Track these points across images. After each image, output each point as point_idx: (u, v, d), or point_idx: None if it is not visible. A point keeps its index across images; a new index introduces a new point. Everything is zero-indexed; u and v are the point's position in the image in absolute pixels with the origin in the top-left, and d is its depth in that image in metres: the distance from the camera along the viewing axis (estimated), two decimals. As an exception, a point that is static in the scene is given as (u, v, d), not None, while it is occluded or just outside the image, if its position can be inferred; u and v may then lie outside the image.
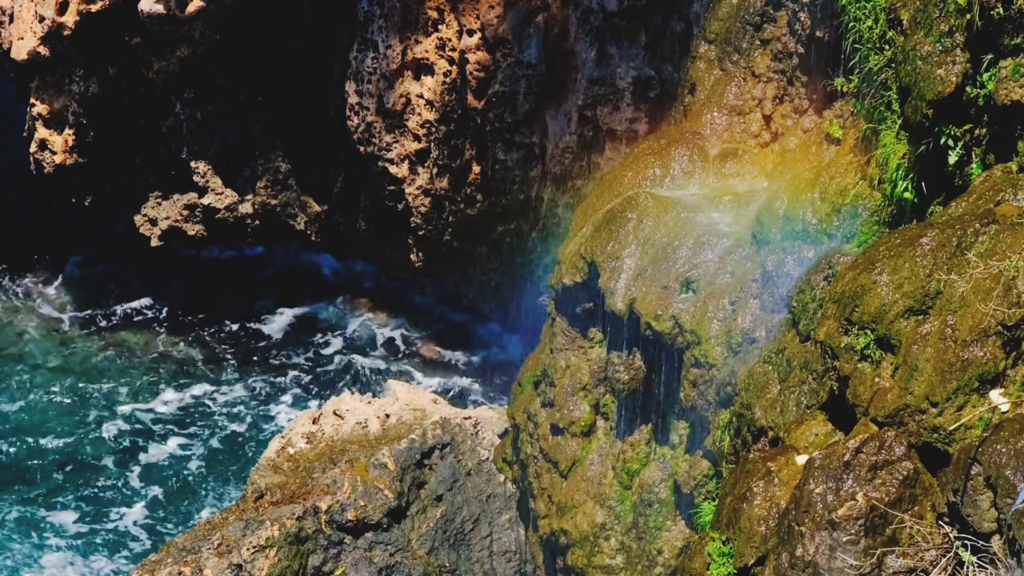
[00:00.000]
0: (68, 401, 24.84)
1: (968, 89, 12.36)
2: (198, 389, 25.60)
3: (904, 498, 10.64)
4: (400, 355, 26.41)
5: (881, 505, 10.56)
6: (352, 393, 20.96)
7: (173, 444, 24.07)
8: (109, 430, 24.23)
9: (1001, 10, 11.98)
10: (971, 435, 10.58)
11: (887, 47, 13.57)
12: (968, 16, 12.26)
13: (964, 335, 10.81)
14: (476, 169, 23.01)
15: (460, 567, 18.49)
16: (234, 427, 24.68)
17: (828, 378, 12.27)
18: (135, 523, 22.27)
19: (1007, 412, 10.50)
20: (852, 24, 14.23)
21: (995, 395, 10.64)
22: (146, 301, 27.24)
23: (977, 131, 12.44)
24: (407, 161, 23.34)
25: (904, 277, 11.52)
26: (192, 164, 24.96)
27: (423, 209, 23.65)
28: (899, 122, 13.30)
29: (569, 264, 17.34)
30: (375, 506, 17.98)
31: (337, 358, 26.53)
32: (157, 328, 26.91)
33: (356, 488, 18.01)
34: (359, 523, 17.87)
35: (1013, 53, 12.01)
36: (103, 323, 26.93)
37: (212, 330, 26.95)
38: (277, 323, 27.16)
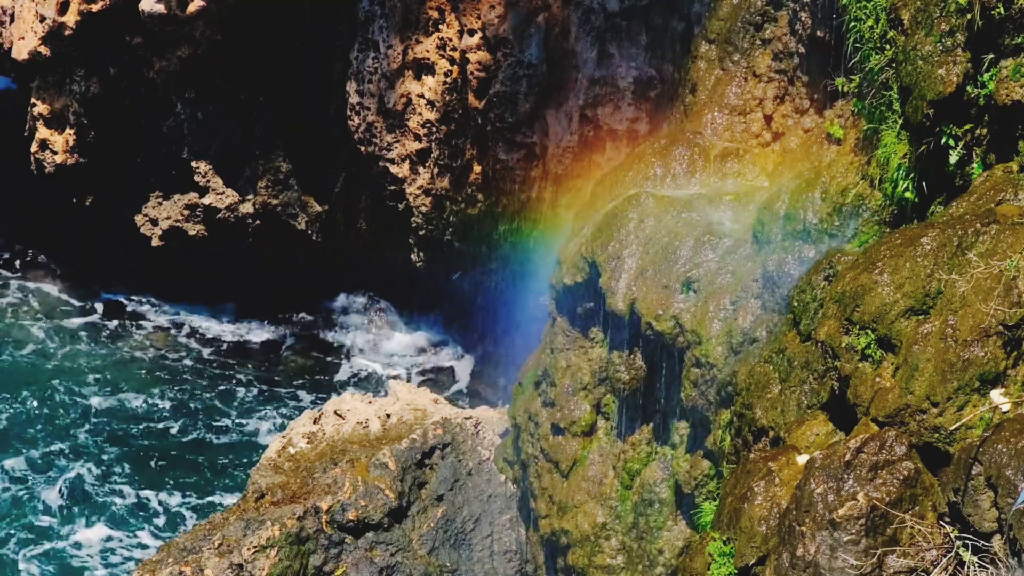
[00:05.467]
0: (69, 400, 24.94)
1: (969, 89, 12.35)
2: (198, 390, 25.64)
3: (905, 498, 10.64)
4: (399, 355, 26.46)
5: (882, 505, 10.56)
6: (353, 393, 20.96)
7: (171, 446, 24.13)
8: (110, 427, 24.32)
9: (1002, 10, 11.97)
10: (972, 435, 10.58)
11: (888, 47, 13.57)
12: (969, 16, 12.25)
13: (965, 335, 10.81)
14: (477, 169, 23.01)
15: (461, 567, 18.49)
16: (234, 427, 24.71)
17: (829, 378, 12.27)
18: (140, 517, 22.34)
19: (1008, 412, 10.50)
20: (853, 24, 14.23)
21: (996, 395, 10.64)
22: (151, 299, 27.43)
23: (978, 131, 12.44)
24: (408, 161, 23.35)
25: (905, 277, 11.52)
26: (193, 164, 24.97)
27: (424, 209, 23.65)
28: (900, 122, 13.30)
29: (570, 264, 17.34)
30: (376, 506, 17.98)
31: (337, 359, 26.58)
32: (159, 329, 26.99)
33: (357, 488, 18.01)
34: (360, 523, 17.86)
35: (1014, 53, 12.01)
36: (108, 322, 27.03)
37: (213, 332, 27.01)
38: (279, 323, 27.25)
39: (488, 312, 25.12)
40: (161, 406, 25.06)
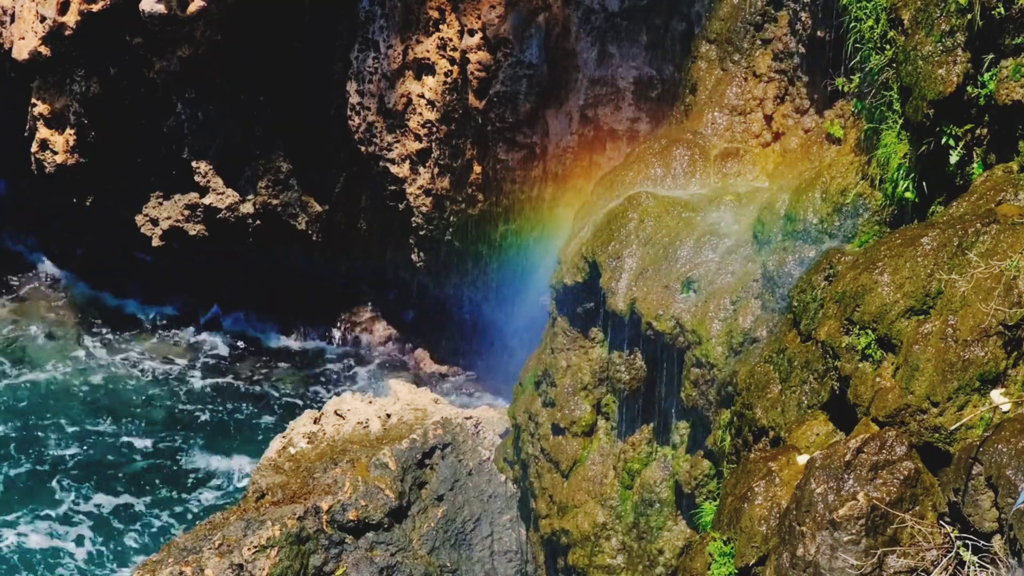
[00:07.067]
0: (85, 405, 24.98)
1: (969, 89, 12.36)
2: (198, 391, 25.64)
3: (905, 498, 10.64)
4: (399, 356, 26.47)
5: (882, 505, 10.56)
6: (353, 393, 20.96)
7: (170, 445, 24.15)
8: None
9: (1002, 10, 11.98)
10: (972, 435, 10.58)
11: (888, 47, 13.57)
12: (969, 16, 12.25)
13: (965, 335, 10.81)
14: (477, 169, 23.01)
15: (461, 567, 18.49)
16: (236, 427, 24.72)
17: (829, 378, 12.27)
18: (144, 514, 22.35)
19: (1008, 412, 10.50)
20: (853, 24, 14.23)
21: (996, 395, 10.64)
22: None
23: (978, 131, 12.44)
24: (408, 161, 23.35)
25: (905, 277, 11.52)
26: (193, 164, 24.97)
27: (424, 209, 23.65)
28: (900, 122, 13.30)
29: (570, 264, 17.34)
30: (376, 506, 17.98)
31: (338, 360, 26.57)
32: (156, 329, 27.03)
33: (357, 488, 18.01)
34: (360, 523, 17.87)
35: (1014, 53, 12.01)
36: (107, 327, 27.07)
37: (212, 333, 27.04)
38: (281, 324, 27.27)
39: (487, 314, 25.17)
40: (159, 409, 25.08)
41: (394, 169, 23.51)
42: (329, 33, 23.77)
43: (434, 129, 22.82)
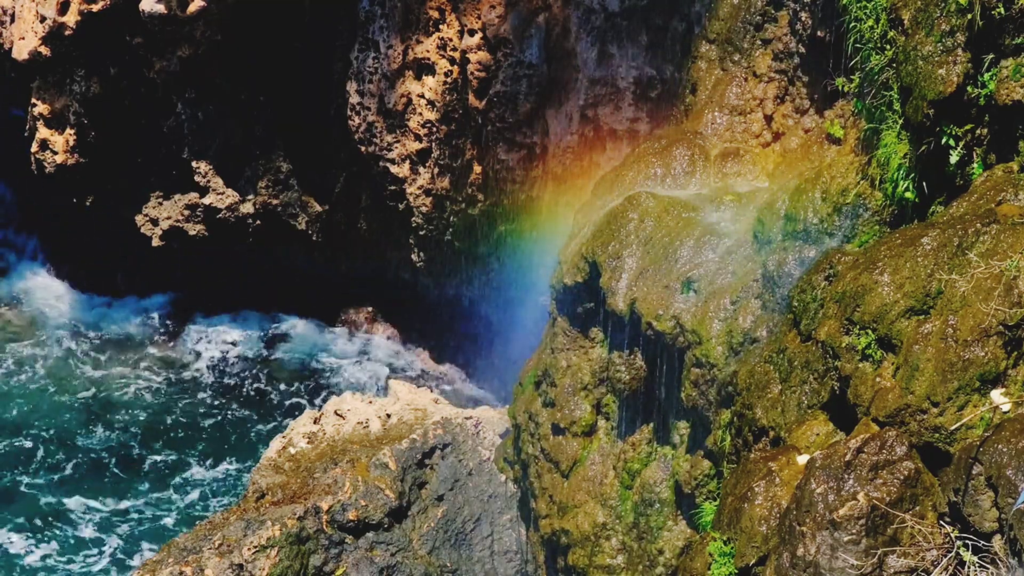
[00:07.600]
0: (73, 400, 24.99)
1: (969, 89, 12.36)
2: (199, 390, 25.64)
3: (905, 498, 10.64)
4: (399, 356, 26.46)
5: (882, 505, 10.56)
6: (353, 393, 20.96)
7: (169, 445, 24.15)
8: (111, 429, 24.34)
9: (1002, 10, 11.97)
10: (972, 435, 10.58)
11: (888, 47, 13.57)
12: (969, 16, 12.25)
13: (965, 335, 10.81)
14: (477, 169, 23.01)
15: (461, 567, 18.50)
16: (236, 427, 24.72)
17: (829, 378, 12.27)
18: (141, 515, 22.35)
19: (1008, 412, 10.50)
20: (853, 24, 14.23)
21: (996, 395, 10.64)
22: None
23: (978, 131, 12.44)
24: (408, 161, 23.34)
25: (905, 277, 11.52)
26: (193, 164, 24.97)
27: (424, 209, 23.65)
28: (900, 122, 13.30)
29: (570, 264, 17.35)
30: (376, 506, 17.98)
31: (338, 360, 26.57)
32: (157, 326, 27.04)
33: (357, 488, 18.01)
34: (360, 523, 17.87)
35: (1014, 53, 12.01)
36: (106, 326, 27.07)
37: (212, 333, 27.03)
38: (282, 325, 27.25)
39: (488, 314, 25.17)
40: (160, 410, 25.08)
41: (394, 169, 23.51)
42: (329, 33, 23.77)
43: (434, 129, 22.81)
